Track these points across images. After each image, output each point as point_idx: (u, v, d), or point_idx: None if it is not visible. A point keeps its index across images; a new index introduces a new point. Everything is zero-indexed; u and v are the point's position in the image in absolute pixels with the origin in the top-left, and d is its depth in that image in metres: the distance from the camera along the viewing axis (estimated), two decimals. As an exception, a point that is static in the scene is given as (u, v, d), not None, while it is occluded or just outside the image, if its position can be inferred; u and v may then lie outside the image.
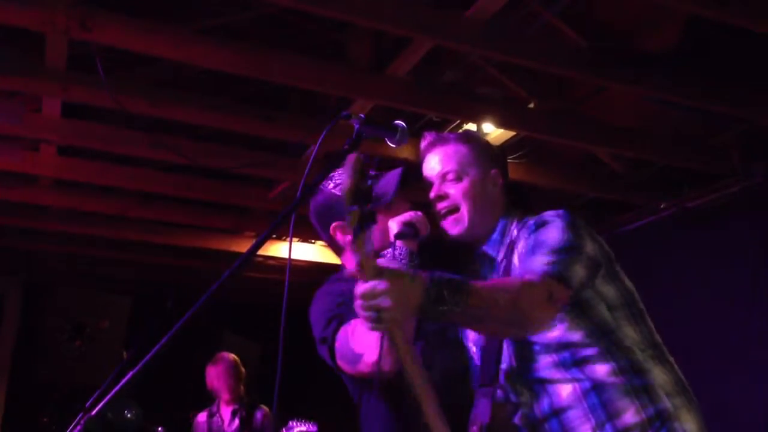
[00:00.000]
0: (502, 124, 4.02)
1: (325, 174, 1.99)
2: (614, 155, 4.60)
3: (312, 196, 2.00)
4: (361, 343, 1.75)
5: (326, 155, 3.90)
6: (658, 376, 1.71)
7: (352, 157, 1.38)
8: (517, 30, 3.28)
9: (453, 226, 1.87)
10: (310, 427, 4.56)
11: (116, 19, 3.05)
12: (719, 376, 4.07)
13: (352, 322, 1.79)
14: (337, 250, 2.04)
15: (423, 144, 1.96)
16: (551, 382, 1.72)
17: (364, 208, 1.36)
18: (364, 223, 1.36)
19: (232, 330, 7.67)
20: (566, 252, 1.66)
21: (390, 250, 1.82)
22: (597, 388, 1.68)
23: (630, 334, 1.73)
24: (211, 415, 4.70)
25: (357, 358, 1.76)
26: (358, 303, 1.40)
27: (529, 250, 1.71)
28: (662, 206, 4.80)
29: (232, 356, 4.79)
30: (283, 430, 4.62)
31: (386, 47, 3.55)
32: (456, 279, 1.46)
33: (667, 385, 1.71)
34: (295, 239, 6.12)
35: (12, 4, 2.89)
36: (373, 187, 1.35)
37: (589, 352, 1.70)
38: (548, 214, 1.78)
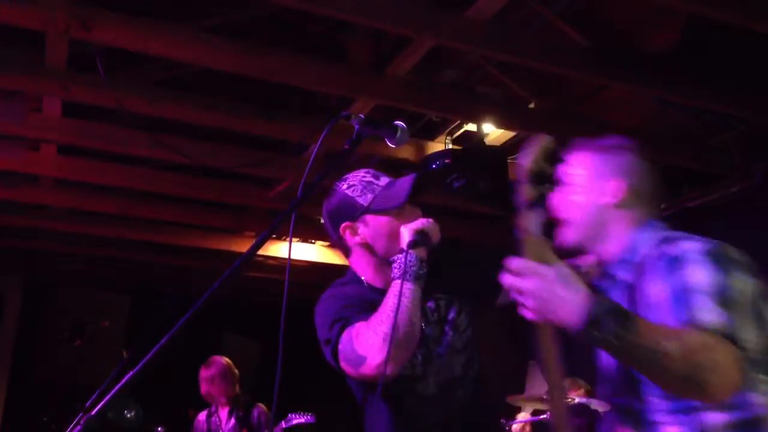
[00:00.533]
0: (502, 124, 4.02)
1: (325, 173, 2.00)
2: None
3: (325, 197, 2.00)
4: (364, 346, 1.74)
5: (326, 155, 3.90)
6: None
7: (543, 139, 1.34)
8: (518, 30, 3.29)
9: (562, 236, 1.78)
10: (308, 418, 4.61)
11: (116, 19, 3.05)
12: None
13: (357, 324, 1.79)
14: (345, 250, 2.02)
15: (559, 152, 1.83)
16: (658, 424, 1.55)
17: (541, 188, 1.33)
18: (536, 203, 1.32)
19: (232, 330, 7.68)
20: (732, 301, 1.43)
21: (401, 256, 1.81)
22: None
23: (764, 388, 1.47)
24: (210, 415, 4.74)
25: (360, 360, 1.75)
26: (506, 275, 1.32)
27: (680, 294, 1.46)
28: (662, 206, 4.79)
29: (224, 360, 4.79)
30: (282, 422, 4.66)
31: (386, 47, 3.55)
32: (623, 308, 1.32)
33: None
34: (295, 239, 6.13)
35: (12, 3, 2.89)
36: (553, 173, 1.31)
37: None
38: (688, 248, 1.55)
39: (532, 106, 4.02)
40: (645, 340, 1.30)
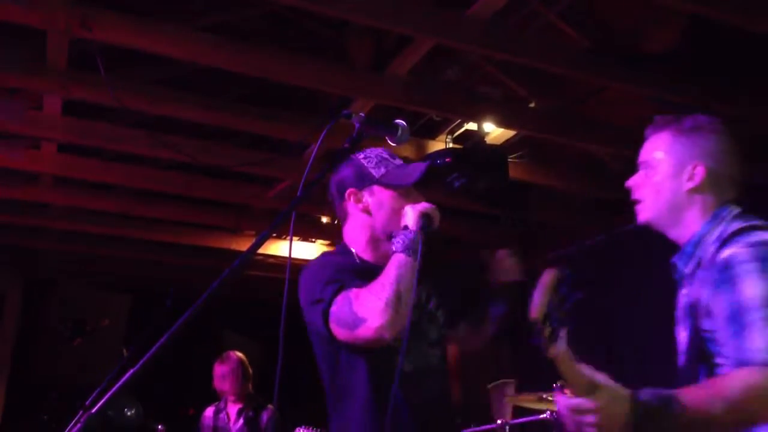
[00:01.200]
0: (502, 123, 4.02)
1: (325, 172, 2.01)
2: (614, 155, 4.60)
3: (340, 163, 2.04)
4: (365, 309, 1.76)
5: (327, 154, 3.90)
6: None
7: (549, 275, 1.36)
8: (518, 29, 3.29)
9: (637, 215, 1.81)
10: None
11: (117, 18, 3.05)
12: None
13: (355, 289, 1.81)
14: (344, 216, 2.06)
15: (647, 130, 1.88)
16: None
17: (556, 323, 1.35)
18: (553, 338, 1.35)
19: (233, 328, 7.68)
20: None
21: (404, 232, 1.84)
22: None
23: None
24: (217, 411, 4.65)
25: (359, 322, 1.77)
26: (565, 414, 1.42)
27: (732, 316, 1.52)
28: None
29: (239, 355, 4.74)
30: None
31: (387, 46, 3.55)
32: (665, 395, 1.41)
33: None
34: (295, 238, 6.13)
35: (13, 2, 2.89)
36: (562, 302, 1.34)
37: None
38: (739, 255, 1.56)
39: (532, 105, 4.02)
40: (696, 413, 1.40)
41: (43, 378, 6.73)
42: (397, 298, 1.74)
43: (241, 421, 4.54)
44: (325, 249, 6.31)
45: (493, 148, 4.24)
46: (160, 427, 5.23)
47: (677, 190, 1.73)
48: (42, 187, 5.03)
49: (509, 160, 4.22)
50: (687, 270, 1.72)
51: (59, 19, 2.94)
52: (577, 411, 1.39)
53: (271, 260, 6.34)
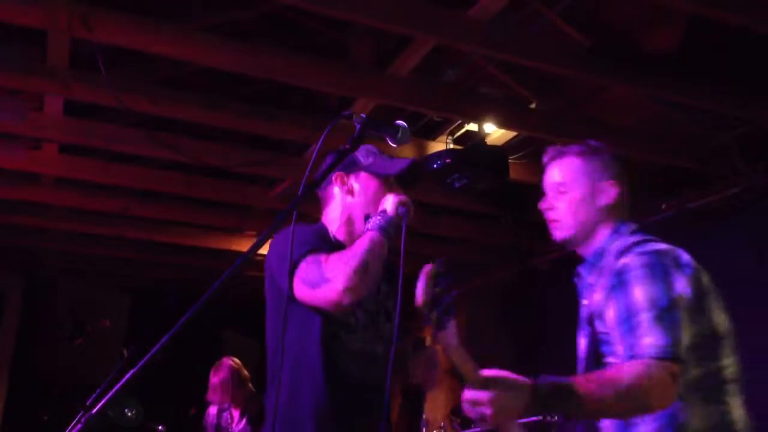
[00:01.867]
0: (503, 123, 4.02)
1: (325, 173, 2.02)
2: (614, 155, 4.59)
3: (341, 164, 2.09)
4: (333, 271, 1.84)
5: (327, 154, 3.90)
6: (693, 418, 1.68)
7: (426, 269, 1.46)
8: (519, 29, 3.29)
9: (555, 233, 1.94)
10: None
11: (118, 18, 3.05)
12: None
13: (326, 254, 1.91)
14: (326, 199, 2.15)
15: (544, 158, 2.02)
16: None
17: (441, 309, 1.45)
18: (442, 324, 1.45)
19: (233, 329, 7.68)
20: (669, 317, 1.63)
21: (380, 214, 1.94)
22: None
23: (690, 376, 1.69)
24: (221, 410, 4.66)
25: (323, 281, 1.84)
26: (465, 405, 1.49)
27: (624, 318, 1.67)
28: (663, 207, 4.79)
29: (232, 362, 4.72)
30: None
31: (388, 46, 3.55)
32: (563, 384, 1.50)
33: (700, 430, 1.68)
34: (296, 238, 6.11)
35: (14, 2, 2.89)
36: (443, 293, 1.45)
37: None
38: (631, 262, 1.73)
39: (533, 106, 4.02)
40: (588, 401, 1.50)
41: (44, 378, 6.74)
42: (364, 268, 1.82)
43: (244, 421, 4.54)
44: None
45: (494, 148, 4.24)
46: (160, 427, 5.23)
47: (592, 208, 1.89)
48: (43, 188, 5.04)
49: (510, 160, 4.22)
50: (589, 280, 1.87)
51: (60, 19, 2.94)
52: (474, 403, 1.46)
53: (271, 260, 6.33)
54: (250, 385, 4.71)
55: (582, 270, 1.92)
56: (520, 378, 1.49)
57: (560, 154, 1.97)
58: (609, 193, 1.90)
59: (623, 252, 1.78)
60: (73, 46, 3.27)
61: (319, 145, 1.82)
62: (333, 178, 2.11)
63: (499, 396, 1.45)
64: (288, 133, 4.11)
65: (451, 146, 4.30)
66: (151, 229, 5.86)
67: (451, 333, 1.44)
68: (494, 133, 4.26)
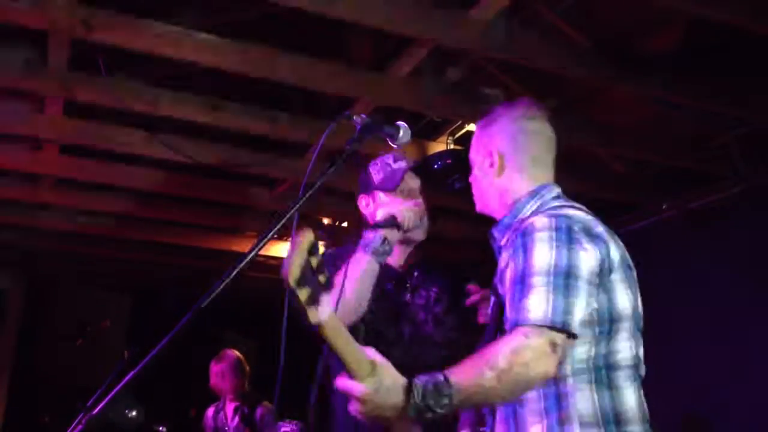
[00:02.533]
0: (503, 124, 4.01)
1: (326, 173, 2.02)
2: (615, 156, 4.59)
3: (371, 164, 2.23)
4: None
5: (328, 155, 3.89)
6: (580, 401, 1.57)
7: (300, 236, 1.27)
8: (520, 30, 3.28)
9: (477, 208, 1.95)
10: (293, 426, 4.57)
11: (118, 19, 3.05)
12: (721, 379, 4.07)
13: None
14: (363, 219, 2.27)
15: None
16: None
17: (313, 283, 1.25)
18: (314, 297, 1.25)
19: (233, 329, 7.68)
20: (562, 284, 1.51)
21: (366, 232, 2.05)
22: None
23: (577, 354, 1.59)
24: (217, 411, 4.70)
25: None
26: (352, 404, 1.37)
27: (518, 280, 1.56)
28: (664, 207, 4.80)
29: (236, 354, 4.78)
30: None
31: (388, 47, 3.55)
32: (438, 379, 1.37)
33: (587, 413, 1.57)
34: (296, 239, 6.12)
35: (15, 3, 2.89)
36: (322, 264, 1.26)
37: None
38: (535, 225, 1.62)
39: (533, 106, 4.01)
40: (467, 392, 1.38)
41: (44, 379, 6.74)
42: (342, 293, 1.91)
43: (237, 418, 4.57)
44: (326, 250, 6.30)
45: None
46: (161, 428, 5.24)
47: (486, 179, 1.88)
48: (43, 188, 5.04)
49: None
50: (502, 241, 1.81)
51: (61, 21, 2.94)
52: (348, 394, 1.33)
53: (272, 261, 6.34)
54: (246, 382, 4.73)
55: (495, 231, 1.86)
56: (400, 377, 1.36)
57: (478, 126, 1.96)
58: (494, 162, 1.86)
59: (533, 214, 1.72)
60: (74, 47, 3.27)
61: (319, 146, 1.82)
62: (357, 200, 2.24)
63: (371, 393, 1.31)
64: (288, 133, 4.11)
65: (452, 147, 4.30)
66: (151, 229, 5.86)
67: (326, 308, 1.25)
68: (494, 133, 4.26)
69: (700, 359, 4.20)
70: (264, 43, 3.47)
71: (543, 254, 1.55)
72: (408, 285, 2.19)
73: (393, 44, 3.51)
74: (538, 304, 1.49)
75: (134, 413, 5.58)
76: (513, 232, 1.74)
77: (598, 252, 1.60)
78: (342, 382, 1.34)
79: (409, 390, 1.34)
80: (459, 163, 4.03)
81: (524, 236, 1.61)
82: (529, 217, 1.72)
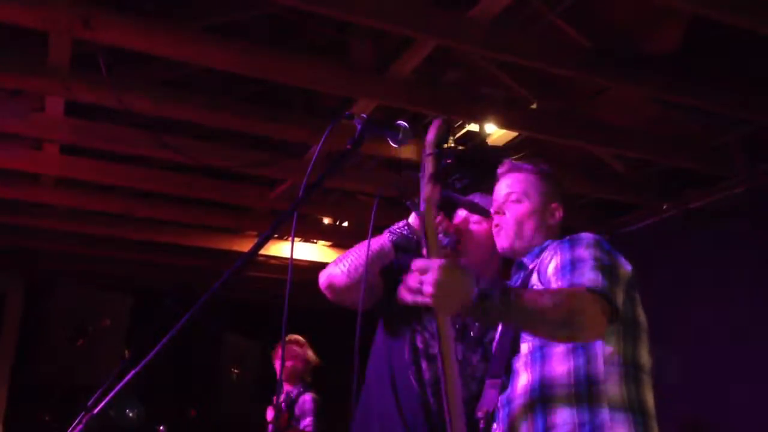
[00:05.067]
0: (504, 124, 4.02)
1: (326, 174, 2.01)
2: (616, 156, 4.59)
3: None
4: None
5: (328, 155, 3.90)
6: (611, 388, 1.70)
7: (443, 120, 1.58)
8: (520, 30, 3.28)
9: (498, 240, 2.05)
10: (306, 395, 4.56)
11: (119, 18, 3.05)
12: (721, 378, 4.07)
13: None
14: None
15: (500, 170, 2.17)
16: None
17: (443, 162, 1.54)
18: (438, 176, 1.54)
19: (233, 329, 7.68)
20: (608, 271, 1.69)
21: (399, 223, 2.28)
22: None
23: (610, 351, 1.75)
24: (279, 395, 4.71)
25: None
26: (411, 274, 1.45)
27: (568, 263, 1.74)
28: (665, 207, 4.80)
29: (300, 339, 4.75)
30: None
31: (389, 47, 3.55)
32: (506, 283, 1.57)
33: (616, 398, 1.69)
34: (297, 239, 6.13)
35: (15, 2, 2.89)
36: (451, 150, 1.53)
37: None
38: (581, 235, 1.85)
39: (534, 106, 4.02)
40: (525, 302, 1.51)
41: (45, 379, 6.74)
42: (350, 257, 2.15)
43: (282, 401, 4.58)
44: (327, 250, 6.31)
45: (495, 149, 4.24)
46: (161, 428, 5.24)
47: (540, 224, 2.01)
48: (43, 188, 5.04)
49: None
50: (531, 265, 1.95)
51: (61, 20, 2.94)
52: (423, 269, 1.43)
53: (272, 261, 6.34)
54: (306, 369, 4.72)
55: (525, 259, 2.00)
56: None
57: (517, 169, 2.11)
58: (556, 214, 2.03)
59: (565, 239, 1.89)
60: (74, 46, 3.27)
61: (319, 146, 1.82)
62: (471, 216, 2.40)
63: (449, 266, 1.43)
64: (288, 133, 4.11)
65: (453, 146, 4.30)
66: (151, 229, 5.86)
67: (437, 191, 1.54)
68: (495, 133, 4.26)
69: (700, 359, 4.19)
70: (265, 43, 3.47)
71: (591, 250, 1.75)
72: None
73: (393, 44, 3.51)
74: (594, 276, 1.66)
75: (134, 413, 5.58)
76: (546, 251, 1.91)
77: (630, 268, 1.80)
78: (420, 261, 1.45)
79: (478, 282, 1.47)
80: (460, 163, 4.03)
81: (571, 241, 1.82)
82: (556, 245, 1.89)
